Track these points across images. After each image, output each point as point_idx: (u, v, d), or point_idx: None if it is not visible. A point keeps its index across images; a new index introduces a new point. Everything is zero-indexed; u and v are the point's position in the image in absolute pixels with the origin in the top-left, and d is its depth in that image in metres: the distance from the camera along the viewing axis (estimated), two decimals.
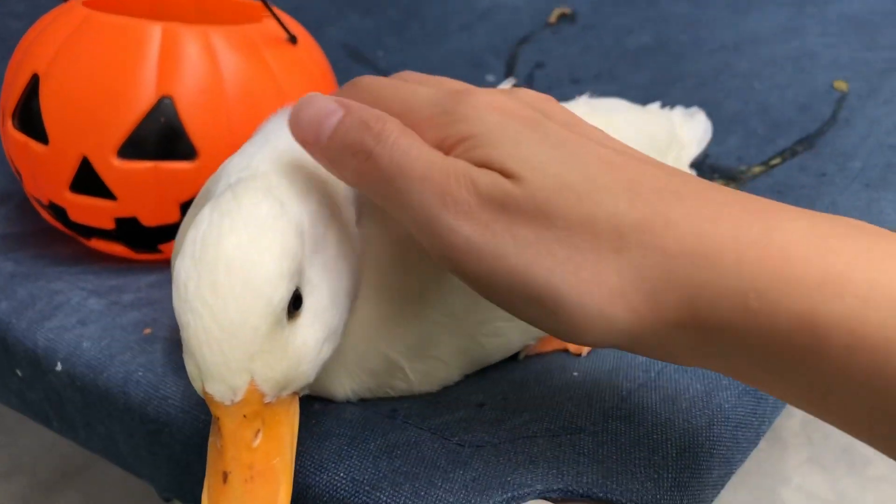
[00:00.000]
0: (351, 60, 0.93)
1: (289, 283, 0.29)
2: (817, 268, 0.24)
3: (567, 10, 0.98)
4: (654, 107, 0.65)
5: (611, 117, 0.52)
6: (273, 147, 0.33)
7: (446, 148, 0.29)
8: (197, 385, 0.29)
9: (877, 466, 0.94)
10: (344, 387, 0.36)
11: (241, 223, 0.28)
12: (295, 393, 0.30)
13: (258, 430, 0.29)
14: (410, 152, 0.28)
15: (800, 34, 0.80)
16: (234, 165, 0.33)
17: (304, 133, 0.30)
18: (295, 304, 0.29)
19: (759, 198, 0.27)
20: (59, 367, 0.44)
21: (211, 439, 0.30)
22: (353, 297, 0.34)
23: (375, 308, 0.35)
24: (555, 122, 0.30)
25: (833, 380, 0.24)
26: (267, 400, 0.29)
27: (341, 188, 0.35)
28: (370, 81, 0.33)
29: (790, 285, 0.24)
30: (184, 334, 0.28)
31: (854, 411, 0.25)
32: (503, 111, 0.29)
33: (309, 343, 0.30)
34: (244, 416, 0.28)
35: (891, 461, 0.26)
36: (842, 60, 0.74)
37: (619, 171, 0.28)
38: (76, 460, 0.95)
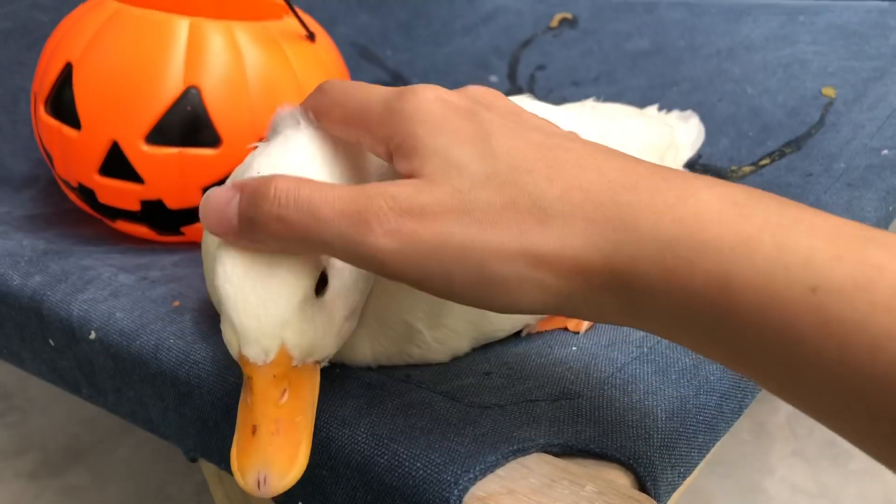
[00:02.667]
0: (360, 58, 0.96)
1: (315, 269, 0.32)
2: (730, 231, 0.26)
3: (568, 15, 1.01)
4: (652, 110, 0.68)
5: (615, 120, 0.55)
6: (296, 146, 0.35)
7: (391, 149, 0.31)
8: (234, 349, 0.32)
9: (859, 460, 0.97)
10: (365, 352, 0.40)
11: None
12: (317, 362, 0.34)
13: (285, 390, 0.32)
14: (313, 198, 0.30)
15: (791, 42, 0.83)
16: (261, 165, 0.35)
17: (220, 229, 0.32)
18: (323, 282, 0.33)
19: (676, 170, 0.30)
20: (92, 335, 0.47)
21: (242, 397, 0.33)
22: (371, 280, 0.37)
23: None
24: (492, 112, 0.32)
25: (748, 339, 0.26)
26: (294, 363, 0.32)
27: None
28: (333, 86, 0.35)
29: (705, 247, 0.26)
30: (223, 305, 0.32)
31: (770, 369, 0.26)
32: (444, 104, 0.31)
33: (333, 317, 0.34)
34: (274, 376, 0.32)
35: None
36: (830, 68, 0.77)
37: (544, 153, 0.30)
38: (85, 439, 0.98)
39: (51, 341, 0.51)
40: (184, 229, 0.59)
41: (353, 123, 0.33)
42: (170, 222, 0.58)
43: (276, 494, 0.31)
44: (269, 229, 0.30)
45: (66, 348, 0.50)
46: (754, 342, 0.26)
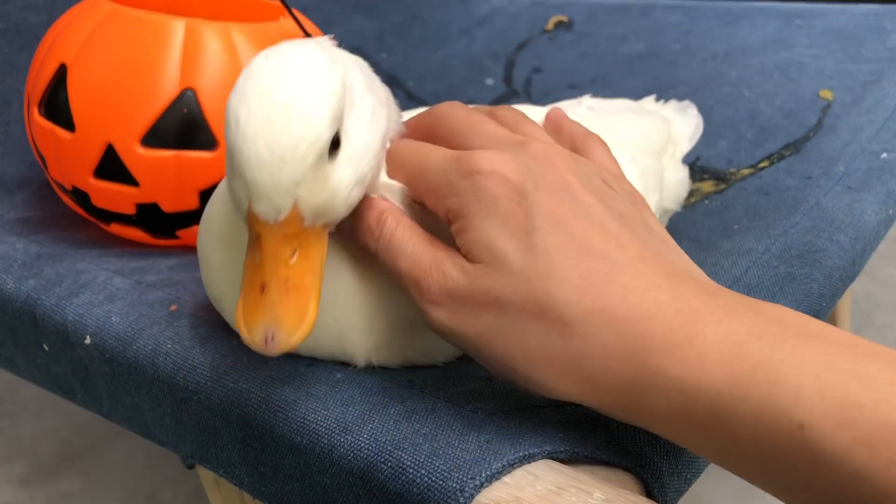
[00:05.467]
0: None
1: (333, 122, 0.32)
2: (727, 374, 0.29)
3: (564, 18, 1.01)
4: (649, 101, 0.68)
5: (612, 123, 0.55)
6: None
7: (449, 219, 0.35)
8: (242, 206, 0.32)
9: None
10: (365, 345, 0.39)
11: (295, 66, 0.32)
12: (326, 225, 0.34)
13: (295, 250, 0.32)
14: (402, 248, 0.35)
15: (788, 45, 0.83)
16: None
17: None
18: (334, 145, 0.33)
19: (697, 294, 0.31)
20: (88, 340, 0.46)
21: (249, 256, 0.33)
22: (380, 164, 0.38)
23: None
24: (542, 192, 0.34)
25: (748, 463, 0.29)
26: (305, 224, 0.32)
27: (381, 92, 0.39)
28: (395, 145, 0.39)
29: (705, 388, 0.29)
30: (235, 160, 0.32)
31: (769, 487, 0.30)
32: (498, 182, 0.34)
33: (343, 181, 0.34)
34: (284, 235, 0.32)
35: None
36: (827, 71, 0.77)
37: (580, 261, 0.32)
38: (76, 444, 0.97)
39: (45, 346, 0.50)
40: (179, 233, 0.58)
41: (415, 185, 0.37)
42: (165, 226, 0.57)
43: (282, 352, 0.31)
44: (368, 248, 0.37)
45: (61, 353, 0.49)
46: (753, 466, 0.29)
